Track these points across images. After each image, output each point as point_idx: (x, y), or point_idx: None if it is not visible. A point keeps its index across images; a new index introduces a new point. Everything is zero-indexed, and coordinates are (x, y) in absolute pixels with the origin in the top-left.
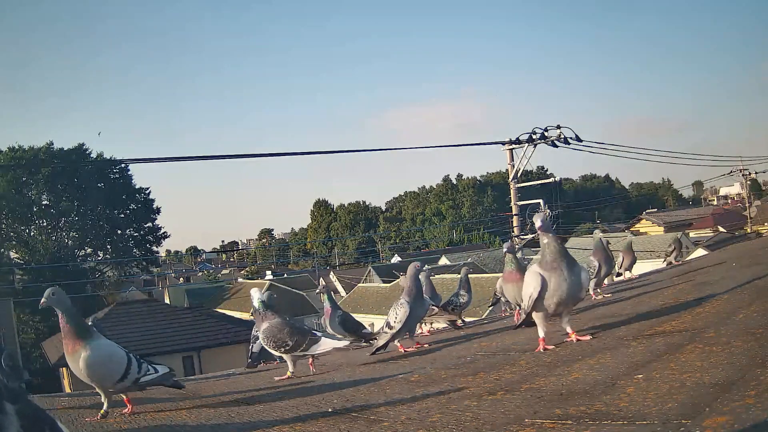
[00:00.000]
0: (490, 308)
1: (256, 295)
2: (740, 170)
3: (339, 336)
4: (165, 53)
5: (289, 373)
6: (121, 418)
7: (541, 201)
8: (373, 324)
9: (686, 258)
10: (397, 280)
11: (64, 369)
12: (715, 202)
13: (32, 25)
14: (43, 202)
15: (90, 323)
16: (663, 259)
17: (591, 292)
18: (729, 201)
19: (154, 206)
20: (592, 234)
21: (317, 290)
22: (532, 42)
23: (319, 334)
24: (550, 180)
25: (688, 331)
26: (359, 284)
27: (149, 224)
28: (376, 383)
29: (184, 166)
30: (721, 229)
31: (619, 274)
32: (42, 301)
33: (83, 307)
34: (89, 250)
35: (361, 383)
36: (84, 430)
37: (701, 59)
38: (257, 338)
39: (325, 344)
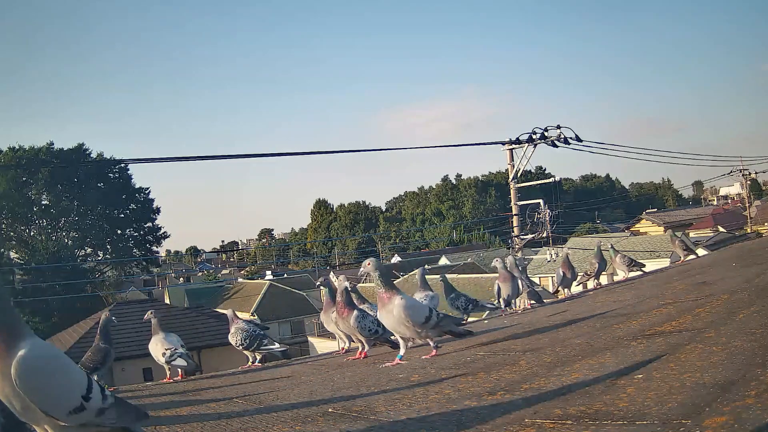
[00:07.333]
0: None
1: None
2: (740, 170)
3: None
4: (166, 52)
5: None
6: None
7: (541, 201)
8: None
9: (686, 258)
10: (399, 279)
11: None
12: (715, 202)
13: (32, 25)
14: (43, 202)
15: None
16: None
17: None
18: (729, 201)
19: (154, 206)
20: (592, 234)
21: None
22: (533, 42)
23: None
24: (550, 180)
25: (688, 331)
26: (359, 284)
27: (149, 224)
28: (376, 383)
29: (184, 166)
30: (721, 229)
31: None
32: None
33: (83, 308)
34: (89, 250)
35: (361, 383)
36: None
37: (701, 59)
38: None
39: None
